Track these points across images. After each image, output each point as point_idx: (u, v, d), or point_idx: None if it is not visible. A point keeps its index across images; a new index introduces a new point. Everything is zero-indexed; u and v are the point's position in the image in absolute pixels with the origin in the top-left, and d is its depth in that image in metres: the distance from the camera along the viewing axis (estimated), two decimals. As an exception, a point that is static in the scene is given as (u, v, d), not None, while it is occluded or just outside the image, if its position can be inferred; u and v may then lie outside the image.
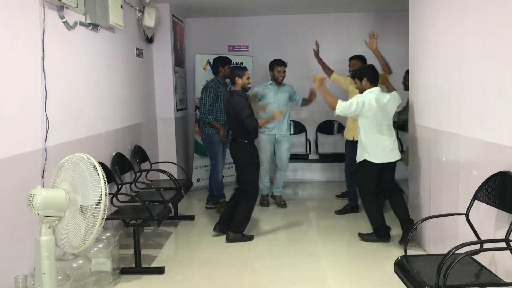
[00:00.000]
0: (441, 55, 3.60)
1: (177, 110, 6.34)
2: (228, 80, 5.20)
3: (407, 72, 5.55)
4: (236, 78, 4.51)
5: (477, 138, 2.96)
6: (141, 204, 3.83)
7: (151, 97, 5.91)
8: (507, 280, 2.48)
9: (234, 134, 4.60)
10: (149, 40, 5.79)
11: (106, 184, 2.38)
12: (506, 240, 2.41)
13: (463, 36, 3.16)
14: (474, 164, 3.02)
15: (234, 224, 4.46)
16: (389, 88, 4.77)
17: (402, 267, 2.66)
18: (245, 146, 4.49)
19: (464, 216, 2.80)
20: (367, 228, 4.55)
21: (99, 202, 2.34)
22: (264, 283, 3.67)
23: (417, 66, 4.21)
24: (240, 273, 3.79)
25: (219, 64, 5.54)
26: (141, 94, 5.44)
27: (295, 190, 6.75)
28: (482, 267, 2.61)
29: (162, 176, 5.12)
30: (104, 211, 2.36)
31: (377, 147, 4.17)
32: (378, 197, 4.42)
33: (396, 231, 4.39)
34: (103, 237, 3.44)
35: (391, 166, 4.27)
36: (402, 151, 6.66)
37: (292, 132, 6.69)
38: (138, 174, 4.85)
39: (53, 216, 2.39)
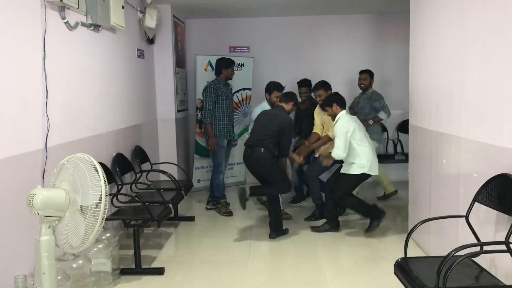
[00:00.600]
0: (441, 57, 3.60)
1: (178, 111, 6.34)
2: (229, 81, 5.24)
3: (361, 72, 5.55)
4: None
5: (477, 140, 2.96)
6: (141, 205, 3.83)
7: (152, 97, 5.92)
8: (507, 283, 2.48)
9: (260, 142, 4.49)
10: (150, 41, 5.79)
11: (107, 184, 2.38)
12: (506, 242, 2.41)
13: (464, 38, 3.17)
14: (475, 166, 3.02)
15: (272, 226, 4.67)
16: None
17: (402, 269, 2.66)
18: (267, 156, 4.48)
19: (464, 218, 2.80)
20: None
21: (99, 203, 2.34)
22: (264, 284, 3.66)
23: (417, 68, 4.21)
24: (240, 274, 3.79)
25: (222, 65, 5.51)
26: (142, 95, 5.45)
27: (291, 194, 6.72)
28: (482, 269, 2.60)
29: (163, 177, 5.12)
30: (104, 212, 2.36)
31: (374, 160, 4.55)
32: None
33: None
34: (103, 238, 3.45)
35: None
36: (402, 152, 6.70)
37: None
38: (138, 175, 4.85)
39: (53, 216, 2.39)
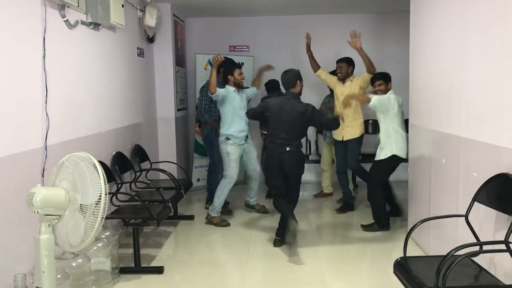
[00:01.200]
0: (441, 57, 3.60)
1: (178, 109, 6.34)
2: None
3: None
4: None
5: (477, 140, 2.96)
6: (141, 204, 3.83)
7: (151, 96, 5.91)
8: (507, 282, 2.48)
9: (288, 139, 4.12)
10: (150, 40, 5.79)
11: (106, 183, 2.38)
12: (505, 242, 2.41)
13: (464, 37, 3.17)
14: (474, 165, 3.02)
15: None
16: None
17: (401, 268, 2.66)
18: (302, 155, 4.24)
19: (463, 217, 2.80)
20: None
21: (99, 201, 2.34)
22: (263, 283, 3.67)
23: (417, 68, 4.21)
24: (240, 273, 3.79)
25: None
26: (141, 94, 5.45)
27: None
28: (481, 269, 2.61)
29: (162, 176, 5.12)
30: (104, 210, 2.36)
31: (403, 142, 4.55)
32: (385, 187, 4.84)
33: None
34: (102, 236, 3.44)
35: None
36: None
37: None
38: (138, 174, 4.85)
39: (53, 215, 2.39)
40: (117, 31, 4.58)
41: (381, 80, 4.71)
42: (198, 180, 6.60)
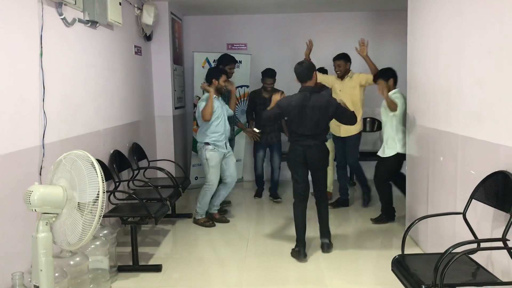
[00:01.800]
0: (439, 55, 3.60)
1: (175, 108, 6.33)
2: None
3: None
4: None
5: (475, 137, 2.97)
6: (139, 202, 3.83)
7: (149, 94, 5.90)
8: (504, 279, 2.48)
9: (313, 135, 4.02)
10: (148, 38, 5.78)
11: (104, 181, 2.38)
12: (503, 239, 2.42)
13: (462, 35, 3.17)
14: (472, 163, 3.03)
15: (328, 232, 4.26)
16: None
17: (399, 266, 2.67)
18: (327, 149, 4.16)
19: (461, 215, 2.81)
20: (365, 226, 4.63)
21: (97, 200, 2.34)
22: (261, 281, 3.67)
23: (415, 66, 4.21)
24: (238, 272, 3.80)
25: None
26: (139, 92, 5.43)
27: (291, 189, 6.72)
28: (479, 266, 2.61)
29: (160, 174, 5.11)
30: (102, 209, 2.36)
31: (406, 139, 4.61)
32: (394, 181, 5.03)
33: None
34: (100, 235, 3.44)
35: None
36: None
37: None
38: (135, 172, 4.84)
39: (51, 213, 2.39)
40: (115, 29, 4.57)
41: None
42: (196, 178, 6.59)
